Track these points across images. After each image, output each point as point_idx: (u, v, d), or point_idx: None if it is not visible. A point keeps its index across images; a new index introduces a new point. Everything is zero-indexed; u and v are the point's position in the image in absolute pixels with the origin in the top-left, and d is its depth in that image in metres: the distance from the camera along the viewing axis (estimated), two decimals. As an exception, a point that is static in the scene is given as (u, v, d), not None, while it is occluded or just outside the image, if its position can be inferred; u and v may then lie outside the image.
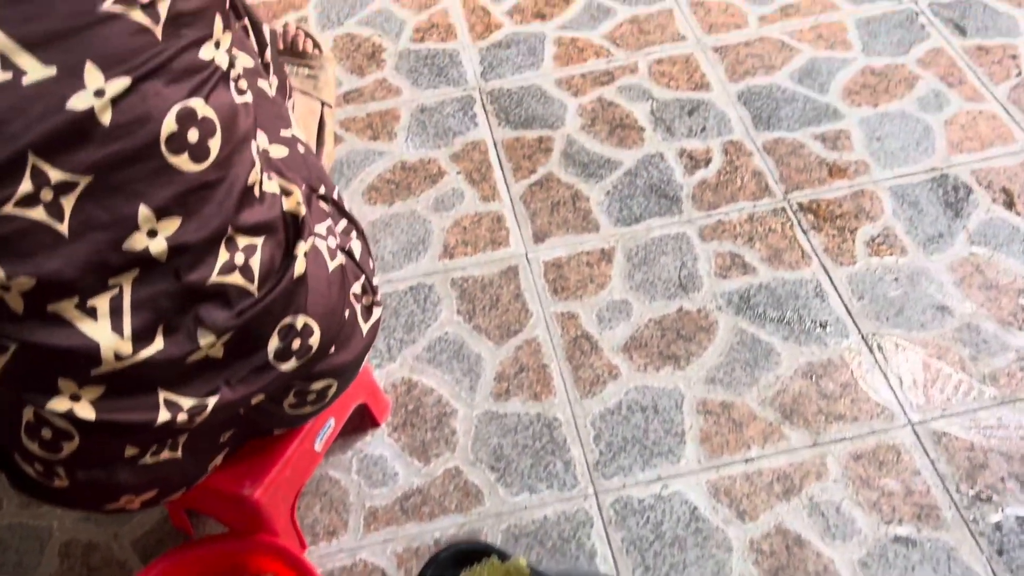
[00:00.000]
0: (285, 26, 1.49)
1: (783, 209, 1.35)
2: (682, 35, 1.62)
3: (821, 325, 1.22)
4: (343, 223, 0.98)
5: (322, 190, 0.97)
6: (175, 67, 0.66)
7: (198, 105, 0.68)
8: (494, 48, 1.63)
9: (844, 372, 1.17)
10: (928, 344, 1.19)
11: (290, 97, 1.28)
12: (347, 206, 1.02)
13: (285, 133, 0.99)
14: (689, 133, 1.46)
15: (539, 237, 1.35)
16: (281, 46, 1.47)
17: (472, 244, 1.34)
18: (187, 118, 0.67)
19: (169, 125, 0.66)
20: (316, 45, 1.49)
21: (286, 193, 0.83)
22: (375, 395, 1.11)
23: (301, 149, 1.00)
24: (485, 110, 1.53)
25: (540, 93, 1.55)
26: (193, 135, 0.68)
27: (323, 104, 1.46)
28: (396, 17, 1.70)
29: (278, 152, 0.97)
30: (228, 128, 0.72)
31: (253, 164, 0.76)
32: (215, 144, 0.70)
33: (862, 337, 1.20)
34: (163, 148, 0.66)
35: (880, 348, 1.19)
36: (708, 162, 1.42)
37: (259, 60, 1.11)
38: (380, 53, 1.64)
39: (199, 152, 0.69)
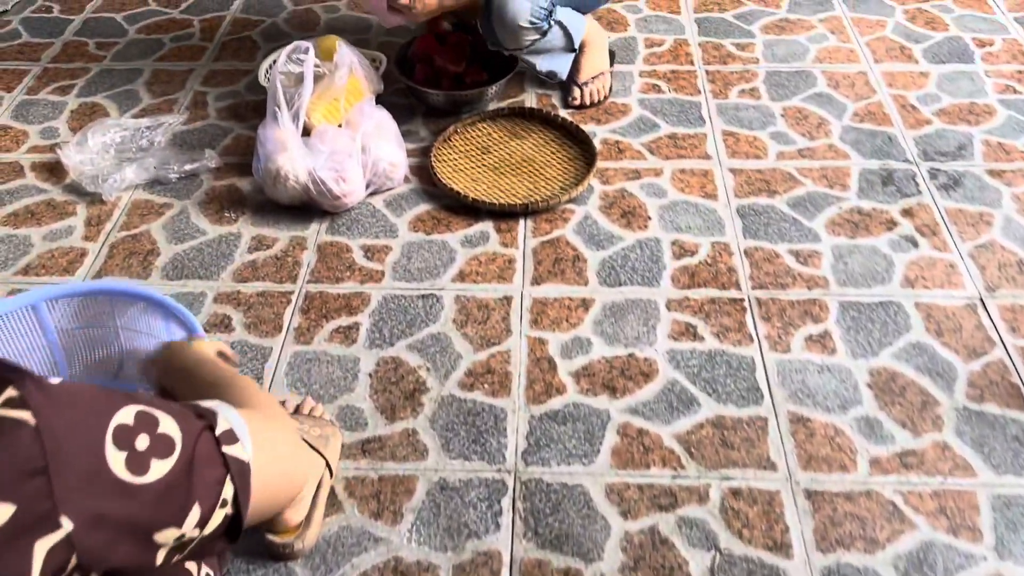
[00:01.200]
0: (303, 401, 1.40)
1: None
2: (772, 461, 1.34)
3: None
4: None
5: None
6: None
7: None
8: (547, 419, 1.40)
9: None
10: None
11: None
12: None
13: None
14: (750, 617, 1.16)
15: None
16: (292, 409, 1.32)
17: None
18: None
19: None
20: (331, 422, 1.33)
21: None
22: None
23: None
24: (514, 507, 1.28)
25: (584, 501, 1.29)
26: None
27: (327, 465, 1.26)
28: (453, 348, 1.51)
29: None
30: None
31: None
32: None
33: None
34: None
35: None
36: (765, 674, 1.11)
37: None
38: (420, 394, 1.44)
39: None
